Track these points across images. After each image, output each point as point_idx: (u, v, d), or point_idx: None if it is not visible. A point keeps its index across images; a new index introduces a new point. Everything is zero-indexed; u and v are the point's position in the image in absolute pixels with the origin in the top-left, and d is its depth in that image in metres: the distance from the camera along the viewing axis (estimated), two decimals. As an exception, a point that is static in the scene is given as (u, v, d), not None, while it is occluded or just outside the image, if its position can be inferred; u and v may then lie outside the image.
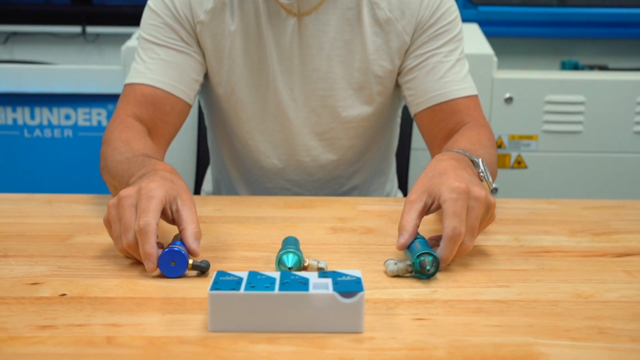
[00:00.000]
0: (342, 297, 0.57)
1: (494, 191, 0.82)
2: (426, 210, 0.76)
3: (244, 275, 0.60)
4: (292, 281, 0.59)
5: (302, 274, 0.61)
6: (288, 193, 1.17)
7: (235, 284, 0.58)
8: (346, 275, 0.61)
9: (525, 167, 1.88)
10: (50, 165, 1.82)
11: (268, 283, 0.58)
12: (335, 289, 0.57)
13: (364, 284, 0.66)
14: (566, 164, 1.87)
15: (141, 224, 0.69)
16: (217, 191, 1.28)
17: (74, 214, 0.94)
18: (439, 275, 0.71)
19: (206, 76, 1.10)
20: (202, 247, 0.79)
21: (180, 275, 0.70)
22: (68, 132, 1.80)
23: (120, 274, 0.71)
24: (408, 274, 0.71)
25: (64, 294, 0.65)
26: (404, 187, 1.53)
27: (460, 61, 1.07)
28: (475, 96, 1.07)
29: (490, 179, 0.83)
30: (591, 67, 2.27)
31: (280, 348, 0.54)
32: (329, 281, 0.59)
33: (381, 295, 0.66)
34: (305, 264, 0.70)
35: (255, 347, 0.54)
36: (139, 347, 0.54)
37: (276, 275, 0.61)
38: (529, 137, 1.86)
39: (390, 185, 1.30)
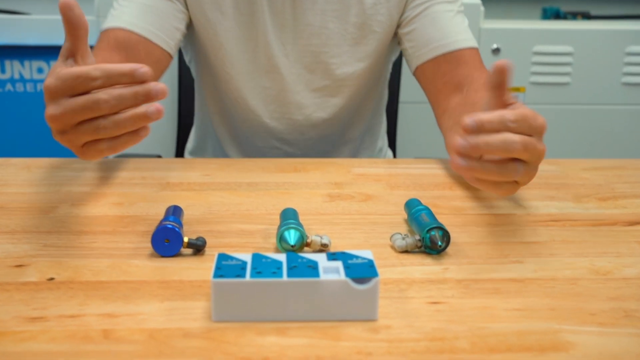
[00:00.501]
0: (355, 284, 0.53)
1: None
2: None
3: (247, 258, 0.56)
4: (301, 265, 0.55)
5: (310, 256, 0.57)
6: (278, 152, 1.13)
7: (240, 269, 0.54)
8: (357, 257, 0.57)
9: (513, 119, 1.84)
10: (24, 122, 1.73)
11: (275, 268, 0.54)
12: (347, 275, 0.53)
13: (375, 265, 0.63)
14: (554, 116, 1.84)
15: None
16: (202, 148, 1.22)
17: (54, 181, 0.88)
18: (448, 249, 0.68)
19: (191, 27, 1.03)
20: (194, 219, 0.75)
21: (174, 254, 0.65)
22: (41, 87, 1.71)
23: (110, 253, 0.66)
24: (417, 249, 0.67)
25: (52, 278, 0.60)
26: (392, 143, 1.49)
27: (460, 14, 1.02)
28: (478, 49, 1.02)
29: None
30: (573, 14, 2.22)
31: (292, 341, 0.51)
32: (339, 264, 0.55)
33: (391, 274, 0.62)
34: (308, 240, 0.66)
35: (265, 340, 0.51)
36: (139, 342, 0.50)
37: (282, 258, 0.57)
38: (516, 89, 1.82)
39: (382, 142, 1.26)
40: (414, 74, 1.03)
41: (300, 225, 0.67)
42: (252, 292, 0.53)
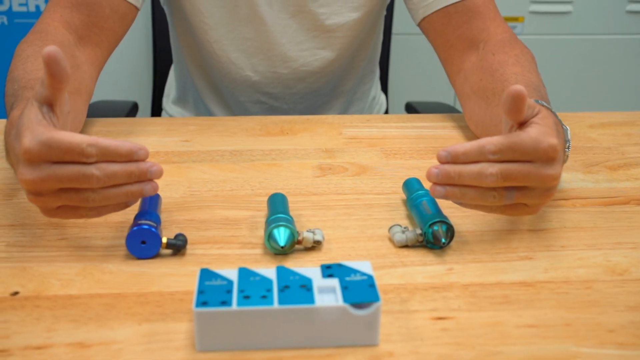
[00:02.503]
0: (354, 309, 0.48)
1: None
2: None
3: (233, 276, 0.51)
4: (293, 284, 0.49)
5: (303, 271, 0.51)
6: (263, 107, 1.05)
7: (225, 292, 0.48)
8: (355, 271, 0.51)
9: (509, 50, 1.76)
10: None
11: (264, 290, 0.49)
12: (345, 299, 0.48)
13: (369, 259, 0.58)
14: (554, 48, 1.75)
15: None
16: (183, 100, 1.14)
17: (20, 153, 0.81)
18: (452, 242, 0.63)
19: None
20: (173, 204, 0.69)
21: (152, 256, 0.59)
22: (2, 19, 1.59)
23: (81, 254, 0.60)
24: (418, 244, 0.62)
25: (16, 292, 0.54)
26: (384, 83, 1.41)
27: None
28: None
29: (569, 153, 0.70)
30: None
31: (285, 377, 0.46)
32: (335, 283, 0.50)
33: (391, 278, 0.57)
34: (300, 238, 0.60)
35: (255, 377, 0.46)
36: (114, 383, 0.45)
37: (272, 274, 0.51)
38: (515, 19, 1.72)
39: (375, 90, 1.18)
40: (419, 25, 0.92)
41: (290, 218, 0.61)
42: (240, 321, 0.47)
